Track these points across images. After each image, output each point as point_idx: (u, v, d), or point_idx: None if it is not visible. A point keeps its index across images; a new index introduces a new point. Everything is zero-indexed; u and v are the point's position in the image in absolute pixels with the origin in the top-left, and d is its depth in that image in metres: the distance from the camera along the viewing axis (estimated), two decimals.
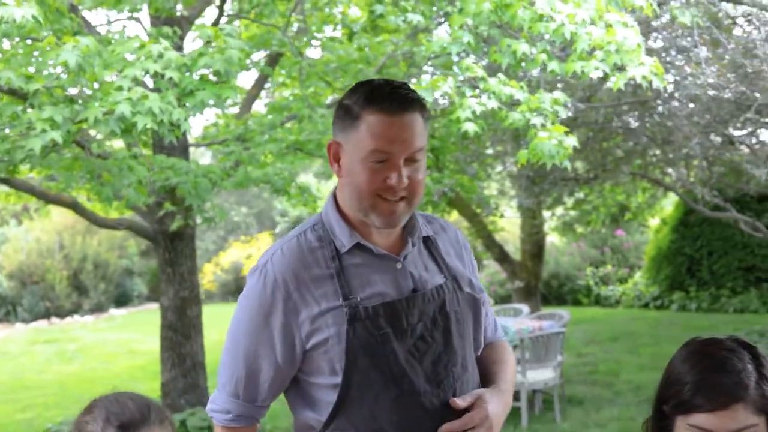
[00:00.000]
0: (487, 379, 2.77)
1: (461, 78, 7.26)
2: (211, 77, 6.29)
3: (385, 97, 2.49)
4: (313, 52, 11.98)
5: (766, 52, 7.56)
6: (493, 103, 6.96)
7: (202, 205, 7.93)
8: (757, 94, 8.36)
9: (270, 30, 9.36)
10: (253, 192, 27.83)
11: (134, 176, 6.93)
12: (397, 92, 2.51)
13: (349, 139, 2.53)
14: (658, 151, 12.06)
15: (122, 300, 25.31)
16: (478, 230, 16.34)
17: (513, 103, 7.12)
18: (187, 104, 6.08)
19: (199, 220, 8.58)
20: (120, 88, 5.87)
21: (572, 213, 18.71)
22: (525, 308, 12.68)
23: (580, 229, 20.01)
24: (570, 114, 8.27)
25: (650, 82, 6.03)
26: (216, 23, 8.37)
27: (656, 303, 18.49)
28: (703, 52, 7.68)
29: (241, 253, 25.89)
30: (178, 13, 9.11)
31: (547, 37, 6.50)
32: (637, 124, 11.44)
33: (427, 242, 2.74)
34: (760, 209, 16.50)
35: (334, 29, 11.81)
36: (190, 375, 10.19)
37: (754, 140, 11.87)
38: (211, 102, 6.15)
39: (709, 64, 7.77)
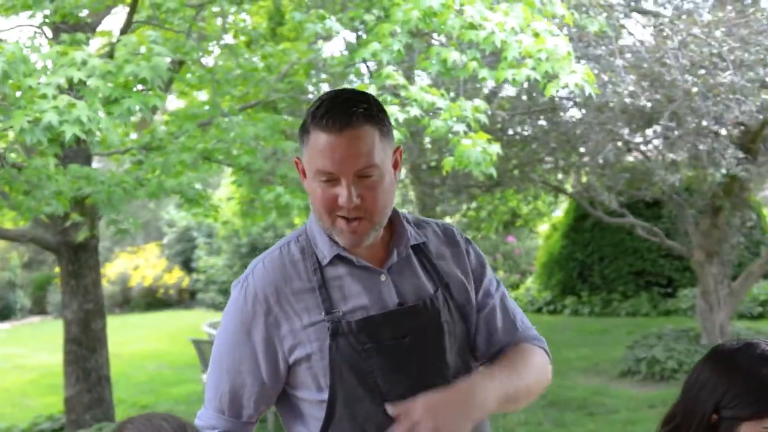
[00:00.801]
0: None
1: (383, 85, 7.23)
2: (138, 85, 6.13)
3: (329, 112, 2.36)
4: (211, 60, 11.81)
5: (678, 60, 7.75)
6: (415, 111, 6.95)
7: (116, 215, 7.75)
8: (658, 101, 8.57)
9: (179, 37, 9.18)
10: (138, 202, 27.35)
11: (54, 186, 6.73)
12: (340, 106, 2.37)
13: (303, 156, 2.46)
14: (561, 160, 12.22)
15: (4, 313, 24.61)
16: None
17: (435, 111, 7.13)
18: (113, 112, 5.91)
19: (112, 230, 8.36)
20: (44, 96, 5.68)
21: (463, 220, 18.86)
22: None
23: (470, 236, 20.15)
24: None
25: (582, 89, 6.11)
26: (124, 31, 8.16)
27: (549, 308, 18.79)
28: (619, 60, 7.83)
29: (128, 264, 25.41)
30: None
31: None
32: (530, 131, 11.60)
33: (418, 250, 2.62)
34: (649, 215, 16.89)
35: (235, 37, 11.70)
36: (96, 389, 9.95)
37: (650, 146, 12.15)
38: (137, 109, 5.99)
39: (626, 72, 7.93)
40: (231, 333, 2.53)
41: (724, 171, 9.16)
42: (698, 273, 12.49)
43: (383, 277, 2.52)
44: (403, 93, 7.10)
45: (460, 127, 6.92)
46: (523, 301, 19.18)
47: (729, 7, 8.03)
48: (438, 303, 2.53)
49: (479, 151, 6.55)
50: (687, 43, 7.72)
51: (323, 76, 10.79)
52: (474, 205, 16.36)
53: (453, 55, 6.36)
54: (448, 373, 2.52)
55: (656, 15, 8.72)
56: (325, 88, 11.05)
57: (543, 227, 21.88)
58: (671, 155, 9.65)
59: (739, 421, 2.23)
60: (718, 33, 7.69)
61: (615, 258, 18.27)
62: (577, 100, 9.69)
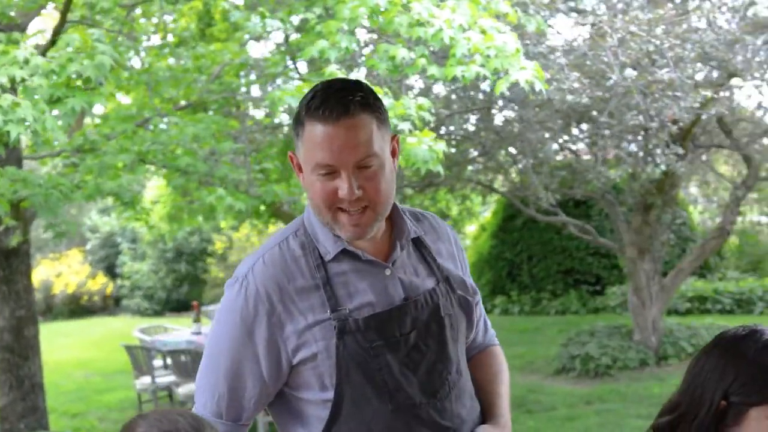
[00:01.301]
0: (485, 400, 2.65)
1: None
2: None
3: (325, 102, 2.29)
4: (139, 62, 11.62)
5: (618, 58, 7.81)
6: None
7: (53, 218, 7.57)
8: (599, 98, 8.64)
9: (111, 37, 9.00)
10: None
11: None
12: (336, 95, 2.31)
13: (299, 150, 2.37)
14: (493, 159, 12.26)
15: None
16: None
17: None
18: (57, 111, 5.76)
19: (50, 234, 8.17)
20: None
21: None
22: None
23: None
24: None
25: (532, 86, 6.11)
26: (58, 30, 7.97)
27: None
28: (562, 58, 7.87)
29: (50, 271, 24.92)
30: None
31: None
32: (462, 130, 11.63)
33: (417, 243, 2.58)
34: (577, 213, 17.04)
35: (162, 38, 11.55)
36: (29, 397, 9.72)
37: (581, 145, 12.26)
38: (79, 109, 5.85)
39: (569, 70, 7.97)
40: (229, 334, 2.43)
41: (663, 167, 9.26)
42: (630, 270, 12.62)
43: (388, 272, 2.46)
44: None
45: (405, 126, 6.88)
46: None
47: (669, 5, 8.13)
48: (437, 296, 2.50)
49: (426, 149, 6.52)
50: (626, 41, 7.78)
51: (252, 77, 10.67)
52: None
53: (401, 53, 6.32)
54: (451, 368, 2.50)
55: (593, 14, 8.78)
56: (256, 89, 10.97)
57: (471, 228, 21.96)
58: (614, 151, 9.71)
59: (747, 407, 2.24)
60: (659, 30, 7.77)
61: (544, 257, 18.42)
62: (511, 97, 9.74)
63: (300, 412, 2.49)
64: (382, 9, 6.27)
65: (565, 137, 11.21)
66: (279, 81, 10.25)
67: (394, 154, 2.44)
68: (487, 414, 2.62)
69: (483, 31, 6.23)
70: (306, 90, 6.99)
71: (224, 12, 12.15)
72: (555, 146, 11.86)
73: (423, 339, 2.44)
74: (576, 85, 7.94)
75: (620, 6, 8.73)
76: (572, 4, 8.79)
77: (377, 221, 2.40)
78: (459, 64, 6.19)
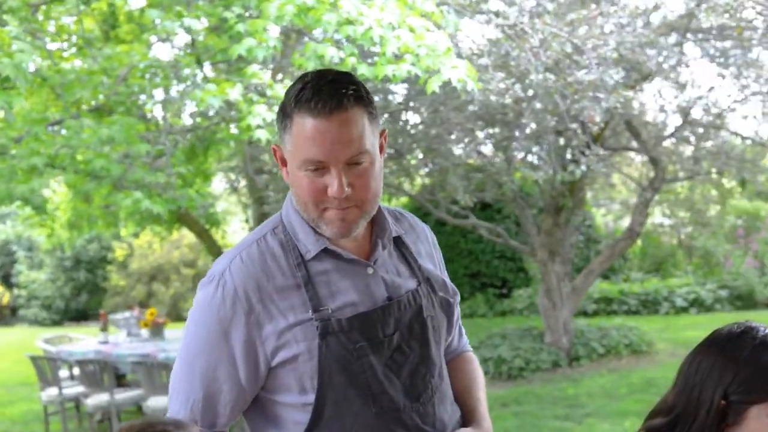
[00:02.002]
0: (465, 405, 2.58)
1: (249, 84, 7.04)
2: None
3: (317, 94, 2.18)
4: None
5: (540, 59, 7.82)
6: None
7: None
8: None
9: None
10: None
11: None
12: (328, 88, 2.20)
13: (285, 144, 2.27)
14: (404, 161, 12.21)
15: None
16: (209, 247, 16.11)
17: None
18: None
19: None
20: None
21: None
22: None
23: None
24: None
25: (465, 84, 6.06)
26: None
27: None
28: (485, 59, 7.85)
29: None
30: None
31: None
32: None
33: (398, 242, 2.50)
34: (484, 216, 17.12)
35: (67, 40, 11.25)
36: None
37: (490, 148, 12.28)
38: None
39: (495, 70, 7.96)
40: (204, 335, 2.31)
41: (584, 168, 9.31)
42: (541, 272, 12.70)
43: (370, 271, 2.37)
44: (269, 92, 6.92)
45: None
46: None
47: (594, 6, 8.18)
48: (420, 297, 2.42)
49: None
50: (548, 41, 7.80)
51: (157, 80, 10.44)
52: None
53: (330, 51, 6.21)
54: (434, 371, 2.44)
55: (502, 15, 8.80)
56: (159, 91, 10.74)
57: None
58: (521, 154, 9.75)
59: (748, 405, 2.24)
60: (582, 31, 7.81)
61: (450, 260, 18.44)
62: (429, 98, 9.69)
63: (276, 416, 2.38)
64: (310, 7, 6.16)
65: (478, 139, 11.21)
66: (183, 84, 10.07)
67: (381, 149, 2.36)
68: (467, 419, 2.55)
69: (412, 30, 6.16)
70: (229, 90, 6.93)
71: (130, 14, 11.93)
72: (465, 149, 11.86)
73: (406, 341, 2.37)
74: (502, 85, 7.92)
75: (532, 6, 8.76)
76: (485, 6, 8.80)
77: (363, 219, 2.32)
78: (389, 63, 6.11)
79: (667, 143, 12.95)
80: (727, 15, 9.93)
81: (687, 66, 10.89)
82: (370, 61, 6.75)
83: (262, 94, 6.97)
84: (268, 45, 6.12)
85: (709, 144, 12.37)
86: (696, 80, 11.44)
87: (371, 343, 2.30)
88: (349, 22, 6.08)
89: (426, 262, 2.54)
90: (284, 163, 2.31)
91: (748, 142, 13.00)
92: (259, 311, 2.27)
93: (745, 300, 15.89)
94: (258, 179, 13.61)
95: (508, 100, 8.17)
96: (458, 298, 2.61)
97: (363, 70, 6.27)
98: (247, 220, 16.01)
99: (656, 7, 10.13)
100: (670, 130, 12.25)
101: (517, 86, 8.19)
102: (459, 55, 8.22)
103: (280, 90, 6.85)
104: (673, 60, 9.95)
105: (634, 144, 12.49)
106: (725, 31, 10.44)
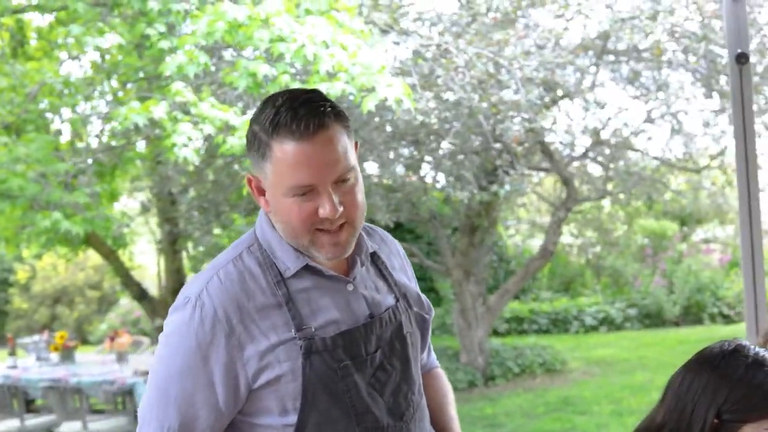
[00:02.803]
0: (439, 423, 2.56)
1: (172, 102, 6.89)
2: None
3: (293, 118, 2.11)
4: None
5: (465, 79, 7.84)
6: (209, 129, 6.67)
7: None
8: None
9: None
10: None
11: None
12: (305, 108, 2.13)
13: (264, 173, 2.17)
14: None
15: None
16: (115, 269, 15.82)
17: (229, 128, 6.85)
18: None
19: None
20: None
21: (200, 248, 18.51)
22: None
23: (205, 265, 19.75)
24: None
25: (401, 104, 6.01)
26: None
27: None
28: (411, 78, 7.82)
29: None
30: None
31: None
32: None
33: (373, 258, 2.43)
34: (396, 237, 17.02)
35: None
36: None
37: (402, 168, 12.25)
38: None
39: (423, 89, 7.94)
40: (180, 360, 2.19)
41: (508, 188, 9.35)
42: (456, 291, 12.70)
43: (351, 287, 2.30)
44: (193, 110, 6.79)
45: None
46: None
47: (519, 26, 8.24)
48: (399, 314, 2.37)
49: None
50: (473, 61, 7.81)
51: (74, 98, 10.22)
52: (219, 231, 16.03)
53: (263, 69, 6.10)
54: (414, 388, 2.39)
55: (415, 33, 8.80)
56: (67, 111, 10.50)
57: None
58: (451, 173, 9.75)
59: (741, 424, 2.22)
60: (508, 51, 7.85)
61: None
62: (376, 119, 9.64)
63: None
64: (241, 23, 6.05)
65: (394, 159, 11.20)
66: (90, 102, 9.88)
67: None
68: None
69: (344, 48, 6.10)
70: (154, 108, 6.77)
71: (39, 30, 11.67)
72: (381, 169, 11.85)
73: (388, 358, 2.32)
74: (432, 104, 7.92)
75: (458, 28, 8.79)
76: (407, 25, 8.80)
77: (354, 237, 2.25)
78: (322, 81, 6.04)
79: (578, 163, 13.09)
80: (642, 36, 10.10)
81: (601, 86, 11.07)
82: (301, 78, 6.67)
83: (187, 112, 6.82)
84: (198, 62, 5.99)
85: (618, 164, 12.55)
86: (608, 101, 11.54)
87: (355, 362, 2.25)
88: (281, 39, 5.99)
89: (401, 276, 2.49)
90: (261, 192, 2.23)
91: (656, 162, 13.23)
92: (240, 332, 2.18)
93: (653, 318, 16.13)
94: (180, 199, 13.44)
95: (434, 120, 8.16)
96: (432, 313, 2.56)
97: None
98: (159, 241, 15.77)
99: (566, 29, 10.27)
100: (580, 150, 12.38)
101: (442, 106, 8.19)
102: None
103: (204, 108, 6.72)
104: (588, 81, 10.08)
105: (547, 164, 12.60)
106: (639, 53, 10.61)
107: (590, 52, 10.26)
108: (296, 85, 6.21)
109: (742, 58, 4.66)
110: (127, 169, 13.19)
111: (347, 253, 2.26)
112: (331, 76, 6.14)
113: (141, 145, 11.51)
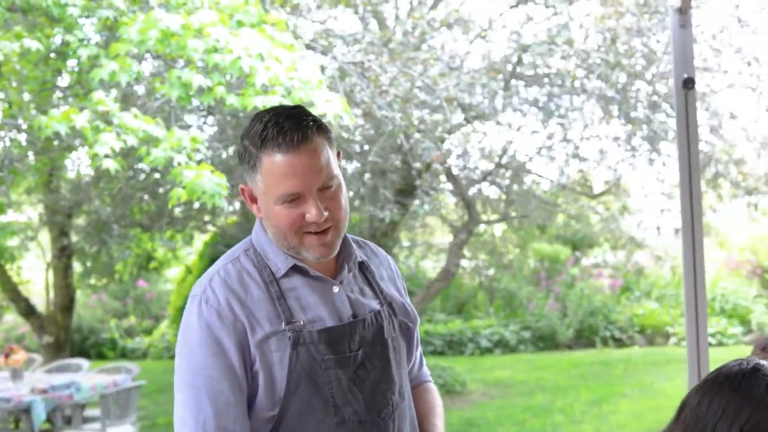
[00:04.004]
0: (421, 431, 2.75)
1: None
2: None
3: (278, 132, 2.33)
4: None
5: (387, 98, 7.80)
6: (132, 140, 6.49)
7: None
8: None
9: None
10: None
11: None
12: (289, 122, 2.35)
13: (256, 183, 2.42)
14: None
15: None
16: (2, 283, 15.36)
17: (152, 140, 6.67)
18: None
19: None
20: None
21: (89, 264, 18.15)
22: (85, 363, 11.91)
23: (93, 281, 19.36)
24: None
25: (340, 120, 5.93)
26: None
27: None
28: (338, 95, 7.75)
29: None
30: None
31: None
32: None
33: (362, 267, 2.65)
34: None
35: None
36: None
37: None
38: None
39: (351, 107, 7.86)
40: (201, 350, 2.38)
41: (427, 207, 9.34)
42: None
43: (336, 289, 2.52)
44: (116, 120, 6.60)
45: (182, 158, 6.53)
46: (159, 347, 18.59)
47: (447, 46, 8.24)
48: (381, 319, 2.56)
49: (214, 182, 6.18)
50: (397, 80, 7.79)
51: None
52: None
53: (196, 79, 5.96)
54: (394, 389, 2.57)
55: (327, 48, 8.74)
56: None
57: (172, 271, 21.39)
58: (384, 191, 9.70)
59: None
60: (435, 70, 7.85)
61: None
62: None
63: None
64: (174, 33, 5.89)
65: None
66: None
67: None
68: None
69: (279, 61, 6.00)
70: (75, 116, 6.55)
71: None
72: None
73: (369, 358, 2.50)
74: (361, 122, 7.86)
75: (378, 47, 8.77)
76: (324, 42, 8.74)
77: (339, 238, 2.47)
78: (257, 94, 5.93)
79: (479, 186, 13.18)
80: (551, 60, 10.24)
81: (508, 110, 11.17)
82: (235, 91, 6.53)
83: (109, 122, 6.63)
84: (131, 70, 5.82)
85: (516, 188, 12.70)
86: (512, 124, 11.70)
87: (338, 357, 2.43)
88: (216, 50, 5.86)
89: (389, 287, 2.69)
90: (253, 200, 2.47)
91: (552, 187, 13.43)
92: (243, 321, 2.38)
93: (547, 341, 16.30)
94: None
95: (357, 138, 8.11)
96: (418, 322, 2.76)
97: (232, 100, 6.07)
98: (53, 256, 15.37)
99: (468, 53, 10.37)
100: (483, 172, 12.47)
101: (368, 123, 8.14)
102: None
103: (127, 119, 6.53)
104: (496, 104, 10.15)
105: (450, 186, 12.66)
106: (549, 78, 10.77)
107: (499, 76, 10.35)
108: (231, 98, 6.08)
109: (689, 83, 4.74)
110: (18, 181, 12.81)
111: (333, 253, 2.48)
112: (267, 89, 6.03)
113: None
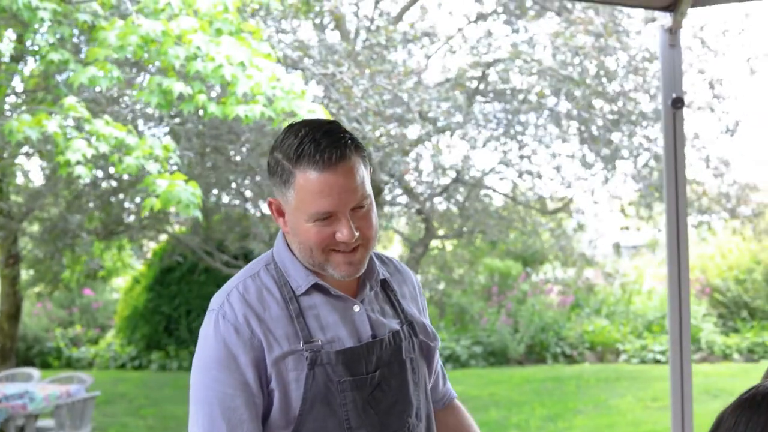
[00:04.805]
0: None
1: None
2: None
3: (316, 148, 2.24)
4: None
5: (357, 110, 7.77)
6: (104, 147, 6.39)
7: None
8: None
9: None
10: None
11: None
12: (327, 140, 2.25)
13: (286, 198, 2.33)
14: None
15: None
16: None
17: (124, 148, 6.58)
18: None
19: None
20: None
21: (31, 272, 17.89)
22: (36, 372, 11.71)
23: (39, 289, 19.08)
24: None
25: None
26: None
27: (134, 363, 18.09)
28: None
29: None
30: None
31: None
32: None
33: (384, 285, 2.58)
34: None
35: None
36: None
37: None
38: None
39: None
40: (217, 366, 2.33)
41: (394, 222, 9.29)
42: None
43: (357, 308, 2.45)
44: (87, 127, 6.49)
45: (154, 167, 6.45)
46: (106, 357, 18.37)
47: (420, 60, 8.23)
48: (400, 339, 2.50)
49: (189, 192, 6.10)
50: (369, 93, 7.77)
51: None
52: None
53: (177, 87, 5.88)
54: (411, 411, 2.51)
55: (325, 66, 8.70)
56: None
57: (119, 280, 21.15)
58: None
59: None
60: (409, 83, 7.83)
61: (203, 311, 17.82)
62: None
63: None
64: (153, 39, 5.81)
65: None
66: None
67: None
68: None
69: (260, 69, 5.94)
70: (46, 122, 6.43)
71: None
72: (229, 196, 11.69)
73: (386, 379, 2.44)
74: None
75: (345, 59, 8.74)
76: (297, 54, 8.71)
77: (367, 257, 2.40)
78: (238, 103, 5.86)
79: (435, 200, 13.20)
80: (515, 77, 10.31)
81: (469, 125, 11.20)
82: (216, 99, 6.46)
83: (80, 129, 6.52)
84: (111, 75, 5.73)
85: (470, 203, 12.73)
86: (471, 140, 11.73)
87: (355, 379, 2.37)
88: (197, 57, 5.79)
89: (410, 305, 2.62)
90: (281, 214, 2.39)
91: (509, 202, 13.50)
92: (260, 337, 2.32)
93: (498, 356, 16.33)
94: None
95: None
96: (438, 343, 2.68)
97: (213, 109, 6.00)
98: (6, 264, 15.12)
99: (426, 68, 10.40)
100: (440, 187, 12.49)
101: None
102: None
103: (99, 125, 6.43)
104: (460, 117, 10.19)
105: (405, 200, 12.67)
106: (513, 94, 10.82)
107: (456, 92, 10.37)
108: (212, 106, 6.01)
109: (678, 103, 4.75)
110: None
111: (360, 272, 2.40)
112: (248, 98, 5.97)
113: None
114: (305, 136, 2.26)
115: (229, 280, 2.47)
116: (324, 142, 2.24)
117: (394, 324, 2.51)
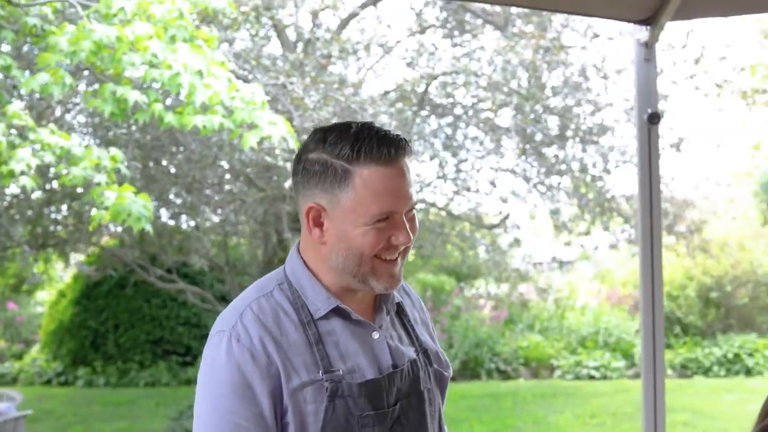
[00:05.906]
0: None
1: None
2: None
3: (377, 145, 2.14)
4: None
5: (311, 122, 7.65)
6: (49, 157, 6.16)
7: None
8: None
9: None
10: None
11: None
12: (383, 137, 2.17)
13: (337, 201, 2.16)
14: None
15: None
16: None
17: (70, 158, 6.34)
18: None
19: None
20: None
21: None
22: None
23: None
24: None
25: (286, 143, 5.72)
26: None
27: (60, 379, 17.60)
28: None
29: None
30: None
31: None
32: None
33: (397, 309, 2.45)
34: (189, 282, 16.47)
35: None
36: None
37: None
38: None
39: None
40: (230, 394, 2.15)
41: None
42: None
43: (376, 335, 2.32)
44: (32, 136, 6.25)
45: (102, 178, 6.23)
46: (30, 373, 17.87)
47: (362, 73, 8.12)
48: (418, 368, 2.37)
49: (140, 205, 5.88)
50: (322, 103, 7.65)
51: None
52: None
53: (133, 95, 5.66)
54: None
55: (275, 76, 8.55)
56: None
57: (43, 294, 20.67)
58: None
59: None
60: (365, 95, 7.74)
61: (131, 326, 17.54)
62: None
63: None
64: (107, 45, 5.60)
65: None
66: None
67: None
68: None
69: (217, 78, 5.77)
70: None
71: None
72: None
73: (405, 412, 2.31)
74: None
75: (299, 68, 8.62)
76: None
77: (403, 267, 2.30)
78: (196, 113, 5.67)
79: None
80: (456, 91, 10.26)
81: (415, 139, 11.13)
82: (171, 108, 6.26)
83: (24, 138, 6.28)
84: (64, 82, 5.50)
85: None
86: (418, 152, 11.66)
87: (377, 414, 2.23)
88: (153, 65, 5.59)
89: (422, 332, 2.50)
90: (317, 223, 2.22)
91: (445, 216, 13.46)
92: (276, 364, 2.17)
93: None
94: None
95: (280, 162, 7.89)
96: (450, 372, 2.55)
97: (170, 119, 5.79)
98: None
99: (363, 81, 10.33)
100: None
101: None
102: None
103: (44, 134, 6.19)
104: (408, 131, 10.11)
105: None
106: (447, 108, 10.78)
107: (400, 104, 10.30)
108: (169, 116, 5.81)
109: (654, 118, 4.70)
110: None
111: (398, 286, 2.29)
112: (205, 108, 5.78)
113: None
114: (359, 133, 2.16)
115: (236, 299, 2.30)
116: (384, 140, 2.16)
117: (411, 352, 2.38)
